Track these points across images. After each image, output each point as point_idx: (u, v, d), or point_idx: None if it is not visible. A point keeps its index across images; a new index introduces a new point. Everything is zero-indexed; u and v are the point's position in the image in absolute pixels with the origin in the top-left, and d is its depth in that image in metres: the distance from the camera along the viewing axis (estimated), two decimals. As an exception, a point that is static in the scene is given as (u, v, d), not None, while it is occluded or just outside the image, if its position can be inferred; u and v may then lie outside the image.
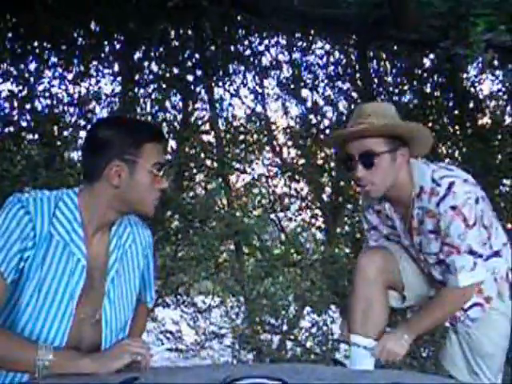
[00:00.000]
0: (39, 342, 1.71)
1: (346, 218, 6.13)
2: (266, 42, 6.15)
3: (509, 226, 5.85)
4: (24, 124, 5.13)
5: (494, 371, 2.42)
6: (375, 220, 2.56)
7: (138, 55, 5.63)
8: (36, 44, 5.15)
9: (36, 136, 5.17)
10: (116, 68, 5.59)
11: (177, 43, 5.77)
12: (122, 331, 1.96)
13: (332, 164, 6.07)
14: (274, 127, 6.28)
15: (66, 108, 5.37)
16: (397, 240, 2.52)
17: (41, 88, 5.28)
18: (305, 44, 6.22)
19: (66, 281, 1.80)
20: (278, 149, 6.26)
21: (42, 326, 1.77)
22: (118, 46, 5.61)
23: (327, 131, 6.08)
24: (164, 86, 5.61)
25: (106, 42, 5.46)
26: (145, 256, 2.06)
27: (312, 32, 6.07)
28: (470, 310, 2.37)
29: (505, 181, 6.11)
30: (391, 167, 2.26)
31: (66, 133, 5.26)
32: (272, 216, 6.14)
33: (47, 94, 5.24)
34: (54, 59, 5.36)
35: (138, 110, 5.55)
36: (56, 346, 1.74)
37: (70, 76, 5.40)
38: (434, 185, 2.24)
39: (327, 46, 6.28)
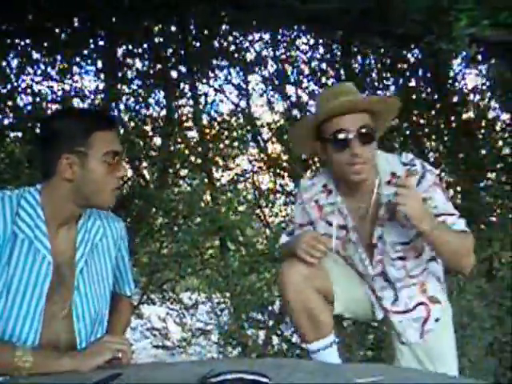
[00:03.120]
0: (16, 343, 1.70)
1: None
2: (250, 37, 6.14)
3: (493, 219, 5.91)
4: (6, 121, 5.09)
5: (455, 370, 2.41)
6: (315, 215, 2.43)
7: (121, 52, 5.60)
8: (18, 40, 5.10)
9: (19, 133, 5.12)
10: (99, 65, 5.55)
11: (160, 39, 5.74)
12: (100, 325, 1.94)
13: (316, 159, 6.07)
14: (258, 123, 6.27)
15: (48, 105, 5.33)
16: (335, 238, 2.39)
17: (23, 85, 5.24)
18: (289, 39, 6.21)
19: (34, 278, 1.78)
20: (262, 144, 6.24)
21: (14, 326, 1.75)
22: (101, 43, 5.57)
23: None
24: (148, 82, 5.58)
25: (89, 39, 5.41)
26: (117, 248, 2.04)
27: (296, 27, 6.07)
28: (414, 310, 2.36)
29: (489, 174, 6.14)
30: (375, 148, 2.24)
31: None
32: (257, 211, 6.14)
33: (29, 91, 5.19)
34: (36, 55, 5.31)
35: (122, 106, 5.52)
36: (34, 347, 1.73)
37: (53, 73, 5.37)
38: (407, 166, 2.23)
39: (311, 41, 6.27)
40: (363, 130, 2.15)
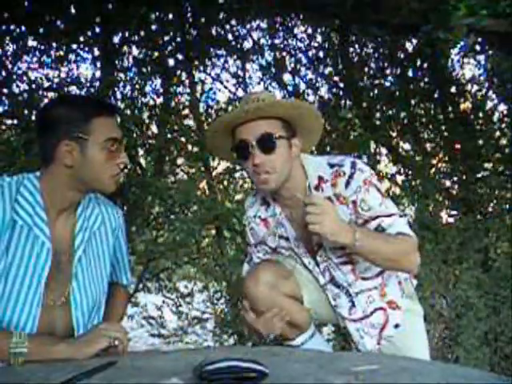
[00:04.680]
0: (12, 330, 1.69)
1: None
2: (248, 25, 6.11)
3: (490, 210, 5.92)
4: (1, 109, 5.06)
5: None
6: (262, 231, 2.39)
7: (117, 39, 5.57)
8: (13, 27, 5.06)
9: (14, 121, 5.10)
10: (96, 52, 5.52)
11: (157, 27, 5.71)
12: (96, 314, 1.94)
13: (312, 147, 6.06)
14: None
15: (44, 93, 5.30)
16: (286, 252, 2.39)
17: (19, 72, 5.20)
18: (286, 28, 6.18)
19: (33, 265, 1.78)
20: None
21: (12, 313, 1.75)
22: (97, 30, 5.53)
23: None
24: (144, 70, 5.55)
25: (85, 26, 5.37)
26: (115, 237, 2.04)
27: (293, 15, 6.04)
28: (372, 316, 2.31)
29: (486, 165, 6.14)
30: (289, 155, 2.14)
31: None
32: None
33: (25, 79, 5.16)
34: (32, 43, 5.28)
35: (118, 94, 5.49)
36: (30, 333, 1.73)
37: (48, 60, 5.34)
38: (335, 168, 2.15)
39: (309, 30, 6.25)
40: (264, 138, 2.07)
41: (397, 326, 2.33)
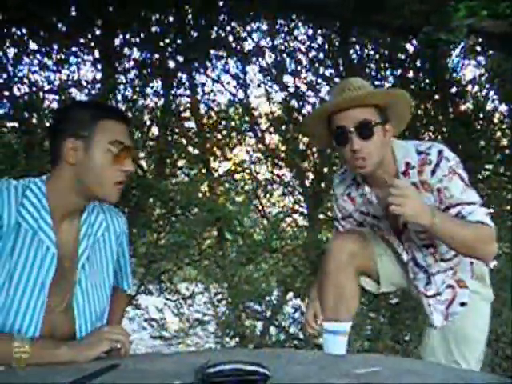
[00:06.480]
0: (14, 334, 1.69)
1: (328, 204, 6.13)
2: (248, 27, 6.11)
3: (491, 211, 5.91)
4: (2, 111, 5.06)
5: (477, 358, 2.40)
6: (350, 207, 2.50)
7: (118, 41, 5.56)
8: (14, 30, 5.06)
9: (15, 124, 5.10)
10: (96, 54, 5.52)
11: (158, 29, 5.71)
12: (99, 321, 1.92)
13: (314, 149, 6.07)
14: (256, 113, 6.25)
15: (45, 95, 5.30)
16: (371, 226, 2.49)
17: (20, 75, 5.20)
18: (287, 29, 6.18)
19: (37, 270, 1.77)
20: (260, 135, 6.23)
21: (15, 317, 1.74)
22: (98, 32, 5.53)
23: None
24: (145, 72, 5.55)
25: (86, 28, 5.37)
26: (119, 244, 2.03)
27: (294, 17, 6.05)
28: (443, 293, 2.37)
29: (487, 166, 6.14)
30: (383, 141, 2.22)
31: (45, 120, 5.18)
32: (255, 202, 6.13)
33: (26, 81, 5.16)
34: (33, 45, 5.28)
35: (119, 96, 5.49)
36: (32, 337, 1.72)
37: (49, 62, 5.33)
38: (422, 155, 2.21)
39: (310, 32, 6.25)
40: (363, 125, 2.15)
41: (463, 304, 2.40)
